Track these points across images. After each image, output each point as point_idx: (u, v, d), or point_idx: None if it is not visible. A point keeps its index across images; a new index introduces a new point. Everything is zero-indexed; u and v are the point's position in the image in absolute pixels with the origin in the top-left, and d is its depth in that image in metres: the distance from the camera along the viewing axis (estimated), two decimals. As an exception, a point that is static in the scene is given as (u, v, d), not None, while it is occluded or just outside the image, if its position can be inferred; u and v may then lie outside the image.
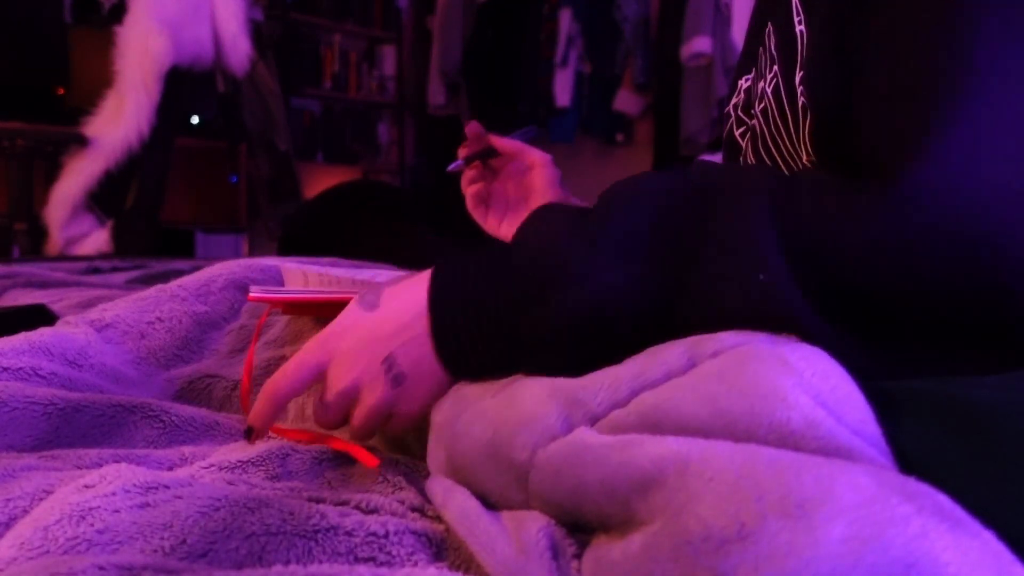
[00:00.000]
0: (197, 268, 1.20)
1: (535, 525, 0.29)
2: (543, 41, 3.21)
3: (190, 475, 0.39)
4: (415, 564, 0.31)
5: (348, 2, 3.69)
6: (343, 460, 0.44)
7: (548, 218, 0.38)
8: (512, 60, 3.23)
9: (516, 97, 3.20)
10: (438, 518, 0.34)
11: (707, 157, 0.70)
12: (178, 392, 0.58)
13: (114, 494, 0.32)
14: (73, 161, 1.99)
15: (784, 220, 0.33)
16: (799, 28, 0.45)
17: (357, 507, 0.34)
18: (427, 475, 0.39)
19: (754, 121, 0.53)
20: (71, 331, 0.58)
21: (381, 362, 0.39)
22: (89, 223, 2.04)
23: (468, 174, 0.71)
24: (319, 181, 3.31)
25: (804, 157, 0.46)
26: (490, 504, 0.34)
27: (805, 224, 0.33)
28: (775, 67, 0.48)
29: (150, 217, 2.18)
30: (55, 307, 0.78)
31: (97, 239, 2.02)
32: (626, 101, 3.11)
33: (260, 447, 0.44)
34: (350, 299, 0.43)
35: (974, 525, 0.23)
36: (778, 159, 0.49)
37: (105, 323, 0.60)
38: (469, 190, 0.71)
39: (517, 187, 0.70)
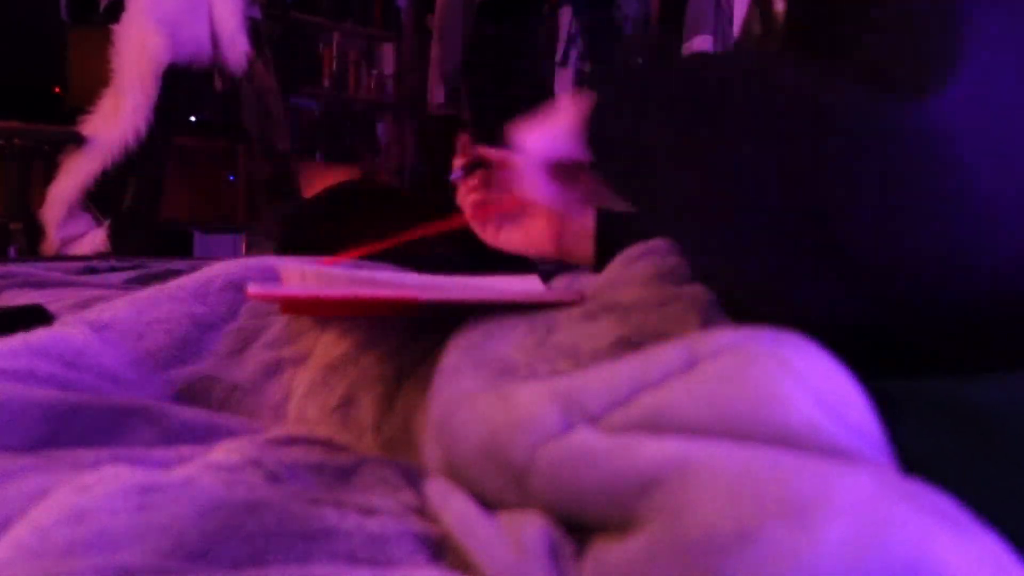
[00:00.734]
0: (195, 268, 1.20)
1: (533, 526, 0.29)
2: (543, 41, 3.21)
3: (188, 476, 0.39)
4: (414, 565, 0.31)
5: (348, 1, 3.69)
6: (343, 462, 0.43)
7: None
8: (512, 60, 3.23)
9: (516, 97, 3.21)
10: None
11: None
12: (176, 393, 0.58)
13: (112, 495, 0.32)
14: (70, 160, 1.99)
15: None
16: (778, 6, 0.45)
17: (355, 508, 0.34)
18: (426, 476, 0.39)
19: None
20: (69, 331, 0.57)
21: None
22: (86, 223, 2.04)
23: (467, 184, 0.71)
24: (318, 181, 3.31)
25: None
26: (488, 504, 0.33)
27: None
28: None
29: (148, 216, 2.18)
30: (52, 307, 0.78)
31: (94, 239, 2.02)
32: (625, 101, 3.11)
33: (260, 447, 0.44)
34: (352, 298, 0.44)
35: (975, 527, 0.23)
36: None
37: (103, 323, 0.60)
38: (468, 200, 0.71)
39: (512, 197, 0.70)
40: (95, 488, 0.33)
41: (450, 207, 0.77)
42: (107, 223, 2.04)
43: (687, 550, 0.23)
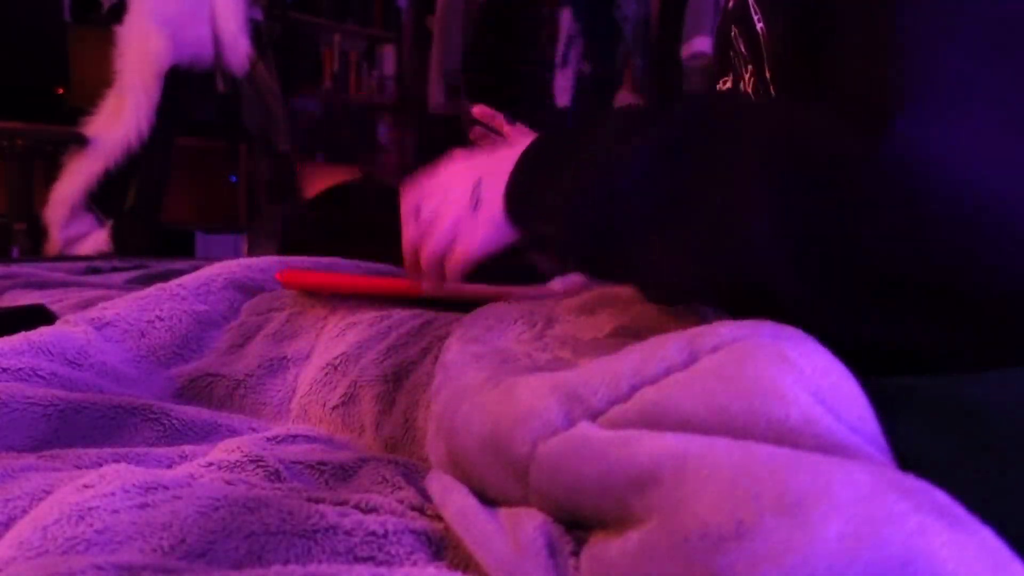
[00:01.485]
0: (197, 268, 1.20)
1: (532, 523, 0.29)
2: (543, 41, 3.21)
3: (189, 474, 0.39)
4: (414, 563, 0.31)
5: (348, 2, 3.69)
6: (343, 460, 0.44)
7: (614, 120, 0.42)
8: (512, 60, 3.23)
9: (516, 97, 3.20)
10: (437, 517, 0.34)
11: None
12: (178, 391, 0.58)
13: (113, 494, 0.32)
14: (73, 161, 2.00)
15: (781, 175, 0.33)
16: (759, 26, 0.46)
17: (356, 506, 0.34)
18: (426, 474, 0.39)
19: None
20: (71, 330, 0.58)
21: (472, 185, 0.48)
22: (88, 223, 2.04)
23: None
24: (319, 181, 3.31)
25: None
26: (489, 499, 0.34)
27: (802, 178, 0.32)
28: (749, 66, 0.49)
29: (150, 217, 2.18)
30: (54, 307, 0.78)
31: (96, 239, 2.02)
32: (626, 101, 3.11)
33: (261, 446, 0.44)
34: (380, 284, 0.49)
35: (972, 522, 0.23)
36: None
37: (105, 321, 0.60)
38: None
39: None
40: (97, 487, 0.33)
41: None
42: (109, 223, 2.04)
43: (684, 545, 0.23)
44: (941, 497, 0.24)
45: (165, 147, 2.17)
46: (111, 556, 0.28)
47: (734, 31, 0.52)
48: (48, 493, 0.35)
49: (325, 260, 0.81)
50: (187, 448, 0.46)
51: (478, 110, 0.69)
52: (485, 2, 3.28)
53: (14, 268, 1.04)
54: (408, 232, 0.51)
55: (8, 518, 0.33)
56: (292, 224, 1.18)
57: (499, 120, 0.70)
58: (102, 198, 2.04)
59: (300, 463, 0.42)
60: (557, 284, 0.62)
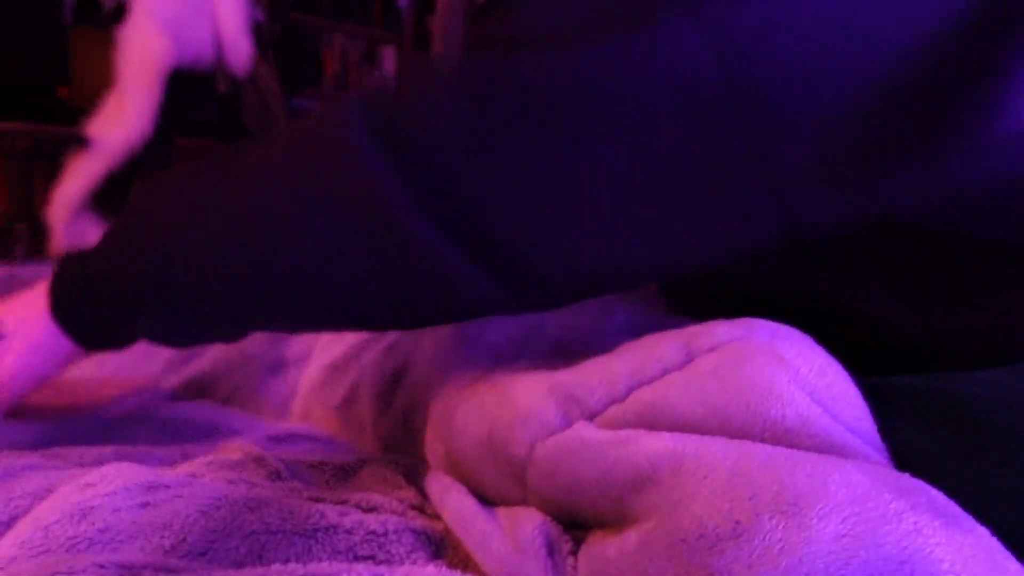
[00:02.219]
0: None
1: (531, 522, 0.29)
2: (544, 40, 3.20)
3: (191, 474, 0.39)
4: (414, 562, 0.31)
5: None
6: (344, 460, 0.44)
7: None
8: (513, 60, 3.23)
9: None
10: (437, 516, 0.35)
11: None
12: (181, 387, 0.58)
13: (115, 493, 0.33)
14: (74, 161, 2.00)
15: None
16: None
17: (356, 506, 0.35)
18: (425, 474, 0.39)
19: None
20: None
21: None
22: (91, 223, 2.04)
23: None
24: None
25: None
26: (488, 500, 0.34)
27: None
28: None
29: (151, 217, 2.18)
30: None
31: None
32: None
33: (262, 445, 0.44)
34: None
35: (968, 522, 0.24)
36: None
37: (101, 368, 0.61)
38: None
39: None
40: (98, 486, 0.33)
41: None
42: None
43: (682, 545, 0.24)
44: (938, 497, 0.24)
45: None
46: (112, 555, 0.28)
47: None
48: (50, 492, 0.35)
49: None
50: (188, 447, 0.46)
51: None
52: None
53: (17, 268, 1.05)
54: None
55: (10, 517, 0.34)
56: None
57: None
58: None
59: (301, 462, 0.43)
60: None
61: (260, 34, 2.72)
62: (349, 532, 0.32)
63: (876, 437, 0.28)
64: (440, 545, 0.33)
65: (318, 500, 0.35)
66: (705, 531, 0.23)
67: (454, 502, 0.33)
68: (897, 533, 0.22)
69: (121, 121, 1.99)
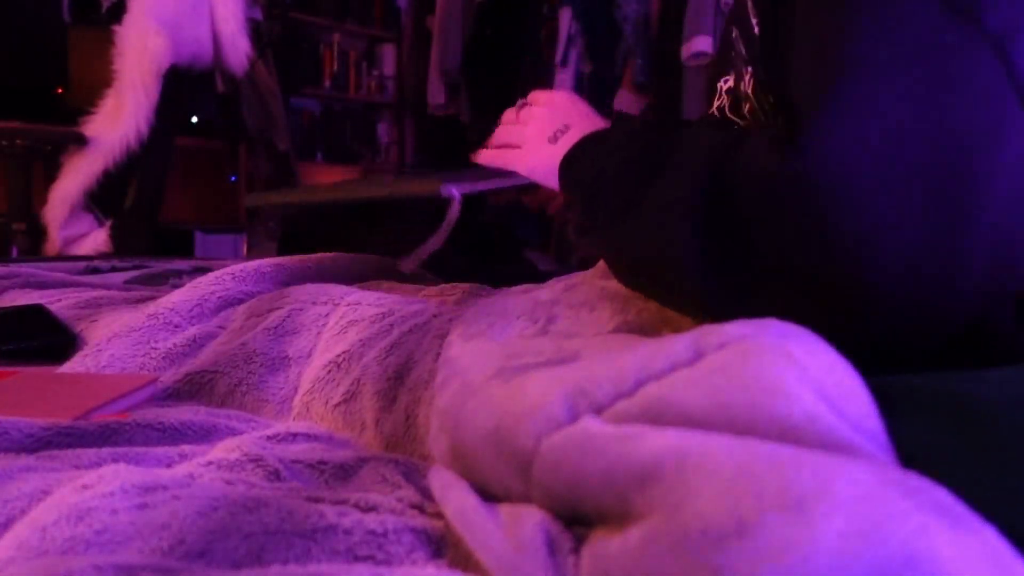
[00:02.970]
0: (196, 267, 1.20)
1: (531, 520, 0.29)
2: (543, 41, 3.20)
3: (189, 474, 0.39)
4: (414, 562, 0.31)
5: (348, 2, 3.69)
6: (343, 459, 0.43)
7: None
8: (512, 60, 3.23)
9: (516, 97, 3.20)
10: (437, 515, 0.34)
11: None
12: (181, 383, 0.58)
13: (112, 494, 0.32)
14: (72, 161, 1.99)
15: (712, 173, 0.38)
16: (756, 30, 0.47)
17: (355, 506, 0.34)
18: (426, 472, 0.39)
19: (745, 123, 0.54)
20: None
21: (560, 125, 0.61)
22: (88, 223, 2.04)
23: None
24: (319, 181, 3.31)
25: None
26: (490, 494, 0.33)
27: (725, 174, 0.38)
28: (749, 68, 0.50)
29: (149, 217, 2.18)
30: (54, 307, 0.78)
31: (96, 239, 2.02)
32: (626, 101, 3.11)
33: (260, 445, 0.44)
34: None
35: (974, 521, 0.23)
36: None
37: (101, 366, 0.61)
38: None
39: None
40: (95, 487, 0.33)
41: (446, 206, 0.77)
42: (109, 223, 2.04)
43: (686, 542, 0.23)
44: (943, 496, 0.24)
45: (165, 147, 2.16)
46: (110, 556, 0.28)
47: (735, 32, 0.52)
48: (47, 494, 0.35)
49: (327, 257, 0.81)
50: (186, 447, 0.46)
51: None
52: (485, 1, 3.28)
53: (13, 268, 1.04)
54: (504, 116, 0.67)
55: (7, 519, 0.33)
56: (292, 224, 1.18)
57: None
58: (102, 198, 2.04)
59: (300, 462, 0.42)
60: (557, 283, 0.63)
61: (259, 34, 2.73)
62: (348, 532, 0.32)
63: (883, 436, 0.28)
64: (440, 544, 0.33)
65: (317, 500, 0.35)
66: (709, 528, 0.23)
67: (456, 499, 0.33)
68: (903, 532, 0.22)
69: (119, 121, 1.99)
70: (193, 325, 0.66)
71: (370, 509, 0.34)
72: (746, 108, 0.53)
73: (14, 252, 1.99)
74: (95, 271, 1.18)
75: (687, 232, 0.38)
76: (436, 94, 3.51)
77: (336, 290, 0.65)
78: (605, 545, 0.26)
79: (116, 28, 2.03)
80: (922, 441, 0.28)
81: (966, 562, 0.22)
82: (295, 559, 0.30)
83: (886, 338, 0.35)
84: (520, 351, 0.39)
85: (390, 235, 0.99)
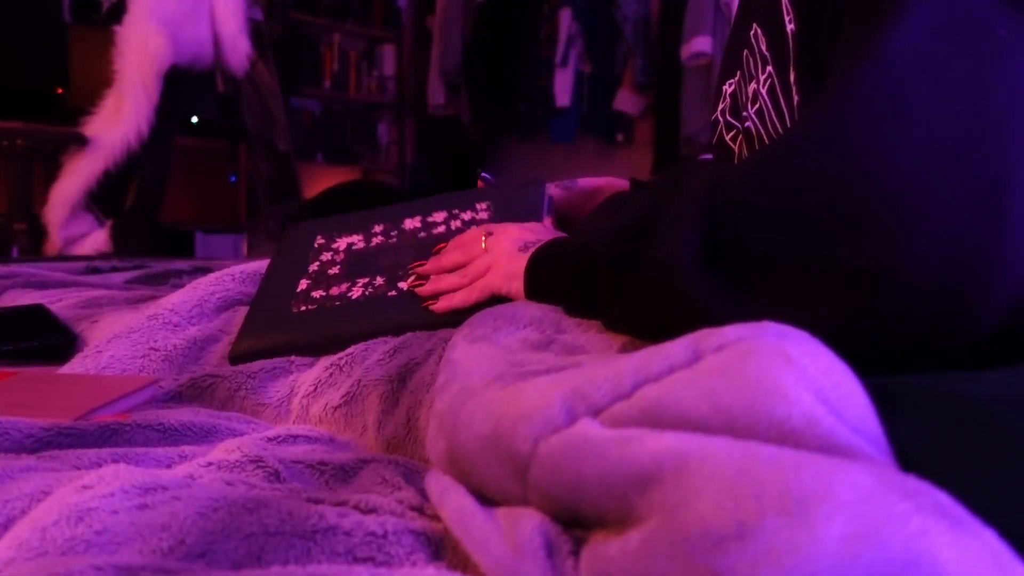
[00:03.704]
0: (196, 268, 1.20)
1: (530, 523, 0.29)
2: (543, 41, 3.20)
3: (189, 475, 0.39)
4: (413, 564, 0.31)
5: (348, 2, 3.69)
6: (343, 460, 0.43)
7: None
8: (512, 60, 3.23)
9: (516, 97, 3.20)
10: (437, 517, 0.34)
11: (707, 157, 0.70)
12: (183, 386, 0.58)
13: (112, 495, 0.32)
14: (72, 161, 2.00)
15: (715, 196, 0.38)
16: (789, 27, 0.46)
17: (355, 507, 0.34)
18: (426, 474, 0.39)
19: (748, 123, 0.53)
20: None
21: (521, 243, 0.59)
22: (88, 223, 2.04)
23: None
24: (319, 181, 3.31)
25: None
26: (487, 497, 0.33)
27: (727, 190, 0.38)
28: (768, 67, 0.49)
29: (149, 217, 2.18)
30: (54, 307, 0.78)
31: (96, 239, 2.02)
32: (626, 101, 3.11)
33: (261, 446, 0.44)
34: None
35: (974, 523, 0.23)
36: None
37: (101, 366, 0.61)
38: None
39: None
40: (96, 487, 0.33)
41: None
42: (109, 223, 2.04)
43: (685, 545, 0.23)
44: (943, 498, 0.24)
45: (165, 147, 2.17)
46: (110, 557, 0.28)
47: (755, 30, 0.51)
48: (47, 494, 0.35)
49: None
50: (186, 448, 0.46)
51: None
52: (485, 2, 3.28)
53: (14, 268, 1.04)
54: (454, 255, 0.62)
55: (7, 519, 0.33)
56: (292, 224, 1.18)
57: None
58: (102, 198, 2.04)
59: (300, 463, 0.42)
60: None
61: (259, 34, 2.73)
62: (348, 534, 0.32)
63: (882, 438, 0.28)
64: (439, 546, 0.33)
65: (317, 501, 0.35)
66: (709, 531, 0.23)
67: (453, 502, 0.33)
68: (903, 534, 0.22)
69: (119, 121, 1.99)
70: (193, 326, 0.66)
71: (370, 511, 0.34)
72: (752, 108, 0.52)
73: (14, 252, 1.99)
74: (95, 271, 1.18)
75: (695, 239, 0.38)
76: (436, 94, 3.52)
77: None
78: (604, 548, 0.26)
79: (116, 28, 2.03)
80: (921, 443, 0.28)
81: (966, 564, 0.22)
82: (295, 560, 0.30)
83: (910, 337, 0.34)
84: (524, 360, 0.39)
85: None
